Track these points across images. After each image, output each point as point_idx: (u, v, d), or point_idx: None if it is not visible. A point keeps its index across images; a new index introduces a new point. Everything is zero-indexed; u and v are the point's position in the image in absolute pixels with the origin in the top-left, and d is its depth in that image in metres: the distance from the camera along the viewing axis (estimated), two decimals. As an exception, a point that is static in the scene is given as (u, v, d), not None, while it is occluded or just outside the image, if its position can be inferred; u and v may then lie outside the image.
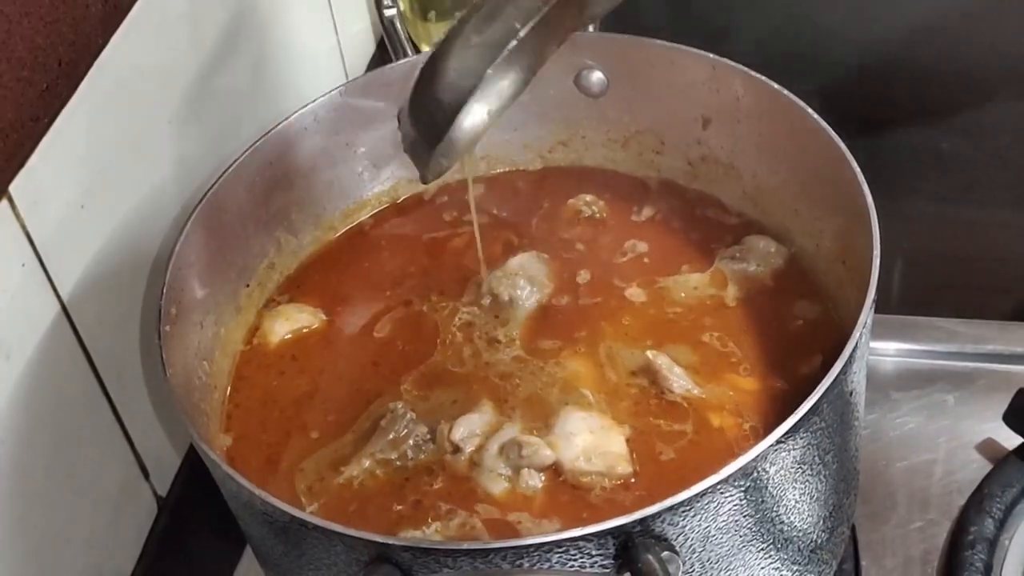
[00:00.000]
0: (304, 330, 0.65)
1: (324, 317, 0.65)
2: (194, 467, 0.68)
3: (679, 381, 0.58)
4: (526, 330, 0.63)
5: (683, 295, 0.63)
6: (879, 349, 0.74)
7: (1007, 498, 0.65)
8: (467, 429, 0.58)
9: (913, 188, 0.85)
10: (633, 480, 0.55)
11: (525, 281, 0.65)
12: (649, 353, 0.59)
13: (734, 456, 0.47)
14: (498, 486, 0.56)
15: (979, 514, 0.64)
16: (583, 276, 0.65)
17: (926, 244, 0.83)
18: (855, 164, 0.57)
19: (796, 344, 0.60)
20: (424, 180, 0.52)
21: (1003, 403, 0.68)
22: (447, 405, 0.60)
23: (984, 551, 0.63)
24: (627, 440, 0.56)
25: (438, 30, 0.93)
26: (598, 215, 0.68)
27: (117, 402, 0.63)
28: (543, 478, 0.56)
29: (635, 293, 0.64)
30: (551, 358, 0.61)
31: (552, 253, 0.67)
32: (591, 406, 0.58)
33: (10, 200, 0.54)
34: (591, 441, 0.56)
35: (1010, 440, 0.68)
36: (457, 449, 0.57)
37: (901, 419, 0.71)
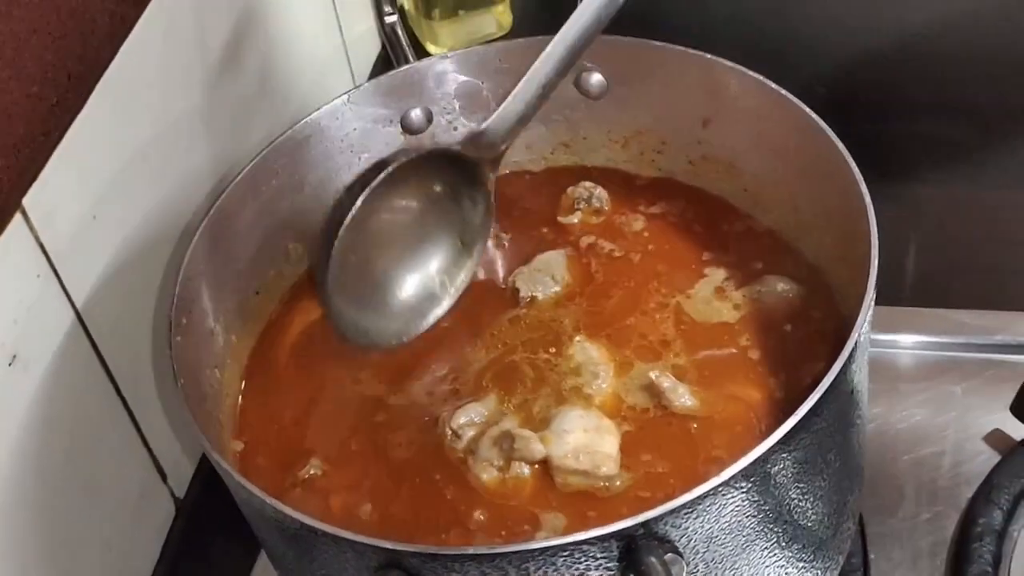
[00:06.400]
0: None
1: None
2: (211, 469, 0.69)
3: (682, 399, 0.58)
4: (546, 325, 0.63)
5: (693, 303, 0.64)
6: (885, 341, 0.74)
7: (1015, 489, 0.65)
8: (467, 418, 0.59)
9: (916, 176, 0.84)
10: (619, 482, 0.56)
11: (549, 279, 0.65)
12: (652, 373, 0.59)
13: (727, 462, 0.47)
14: (489, 475, 0.57)
15: (987, 505, 0.64)
16: (599, 274, 0.66)
17: (935, 230, 0.82)
18: (853, 163, 0.57)
19: (800, 351, 0.60)
20: None
21: (1011, 394, 0.68)
22: (452, 394, 0.61)
23: (993, 542, 0.63)
24: (620, 443, 0.57)
25: (443, 28, 0.93)
26: (597, 204, 0.69)
27: (133, 407, 0.64)
28: (531, 470, 0.57)
29: (645, 296, 0.64)
30: (565, 352, 0.62)
31: (565, 250, 0.67)
32: (592, 402, 0.59)
33: (24, 213, 0.55)
34: (583, 440, 0.56)
35: (1018, 431, 0.68)
36: (457, 436, 0.58)
37: (908, 411, 0.71)
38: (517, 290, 0.65)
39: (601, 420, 0.58)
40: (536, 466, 0.57)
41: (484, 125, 0.60)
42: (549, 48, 0.59)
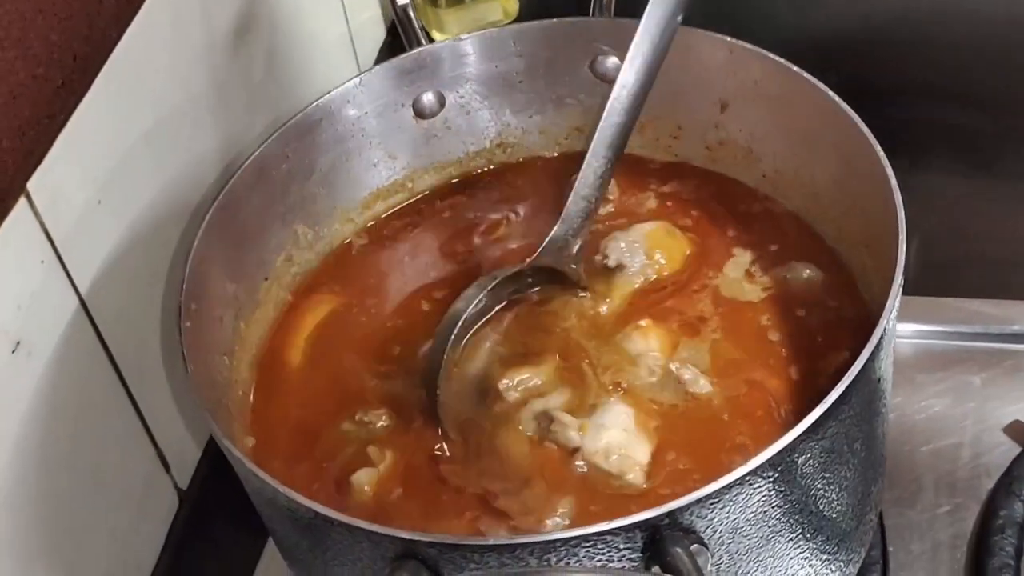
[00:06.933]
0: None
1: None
2: (214, 459, 0.69)
3: (704, 389, 0.57)
4: (622, 304, 0.62)
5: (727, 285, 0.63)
6: (902, 331, 0.73)
7: (1035, 481, 0.65)
8: (520, 378, 0.58)
9: (931, 164, 0.84)
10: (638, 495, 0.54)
11: (643, 253, 0.63)
12: (672, 365, 0.58)
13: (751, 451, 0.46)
14: (520, 447, 0.56)
15: (1008, 497, 0.63)
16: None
17: (945, 221, 0.81)
18: (878, 147, 0.56)
19: (822, 338, 0.59)
20: None
21: (1030, 384, 0.68)
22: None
23: (1014, 535, 0.62)
24: (653, 451, 0.56)
25: (448, 16, 0.92)
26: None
27: (137, 396, 0.63)
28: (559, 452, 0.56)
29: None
30: (630, 334, 0.60)
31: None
32: (639, 398, 0.57)
33: (28, 198, 0.54)
34: (619, 440, 0.55)
35: (1038, 422, 0.68)
36: (501, 396, 0.58)
37: (926, 402, 0.70)
38: (605, 256, 0.63)
39: (644, 424, 0.56)
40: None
41: (552, 233, 0.62)
42: (595, 139, 0.61)
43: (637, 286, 0.63)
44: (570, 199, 0.62)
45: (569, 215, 0.62)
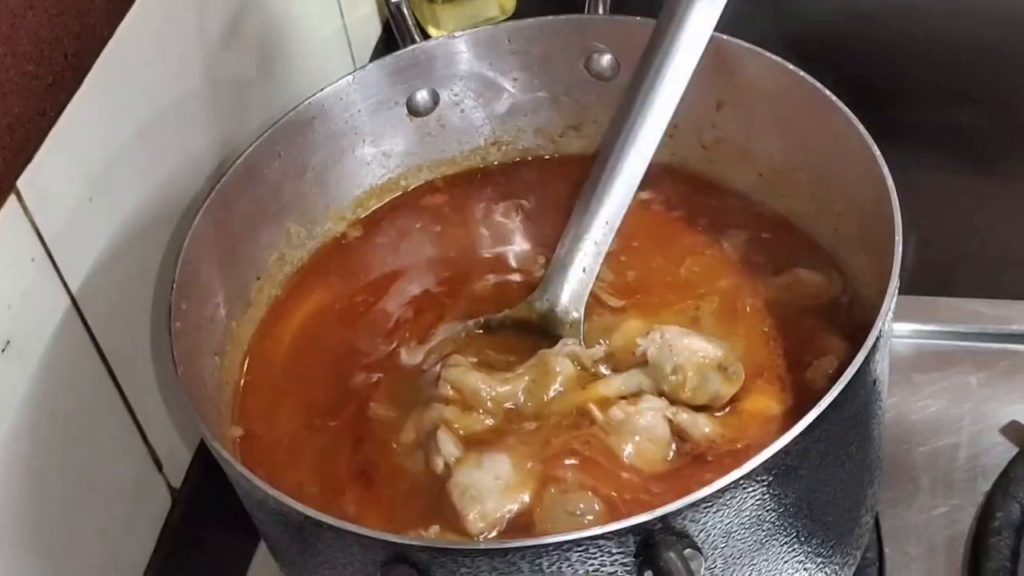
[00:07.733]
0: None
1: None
2: (207, 459, 0.68)
3: (703, 429, 0.54)
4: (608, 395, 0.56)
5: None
6: (899, 330, 0.72)
7: (1033, 483, 0.64)
8: (457, 377, 0.57)
9: (929, 163, 0.83)
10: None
11: (671, 366, 0.55)
12: (669, 412, 0.54)
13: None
14: (406, 436, 0.57)
15: (1005, 499, 0.63)
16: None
17: (942, 220, 0.81)
18: (875, 147, 0.56)
19: (815, 341, 0.58)
20: None
21: (1027, 385, 0.68)
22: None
23: (1011, 537, 0.62)
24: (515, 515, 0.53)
25: (444, 11, 0.92)
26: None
27: (129, 395, 0.63)
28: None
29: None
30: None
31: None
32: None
33: (18, 195, 0.54)
34: (486, 485, 0.53)
35: (1035, 423, 0.67)
36: (436, 382, 0.57)
37: (923, 402, 0.70)
38: (639, 344, 0.57)
39: (523, 486, 0.53)
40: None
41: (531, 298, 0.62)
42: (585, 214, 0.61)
43: (641, 388, 0.56)
44: (550, 269, 0.62)
45: (550, 283, 0.61)
